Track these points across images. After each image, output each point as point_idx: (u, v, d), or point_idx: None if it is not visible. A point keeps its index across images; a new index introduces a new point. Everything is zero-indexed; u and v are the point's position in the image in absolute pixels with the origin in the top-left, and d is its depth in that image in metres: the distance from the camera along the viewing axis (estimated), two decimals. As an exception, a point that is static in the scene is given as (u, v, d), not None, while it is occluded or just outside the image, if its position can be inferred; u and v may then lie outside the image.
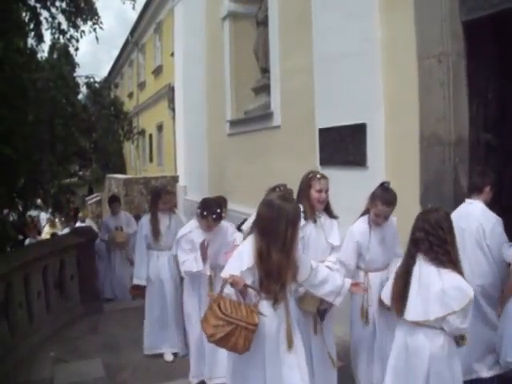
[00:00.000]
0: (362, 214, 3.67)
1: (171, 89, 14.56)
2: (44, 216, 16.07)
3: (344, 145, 5.20)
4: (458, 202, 4.19)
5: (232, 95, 8.85)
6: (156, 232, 4.90)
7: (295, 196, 3.77)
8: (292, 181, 6.33)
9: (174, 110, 13.97)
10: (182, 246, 4.07)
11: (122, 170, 23.65)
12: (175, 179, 12.74)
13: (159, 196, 4.99)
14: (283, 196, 2.76)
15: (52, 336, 5.47)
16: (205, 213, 3.95)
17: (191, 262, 4.00)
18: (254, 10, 8.34)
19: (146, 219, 5.03)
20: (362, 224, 3.62)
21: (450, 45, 4.12)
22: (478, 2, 3.96)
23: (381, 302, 3.32)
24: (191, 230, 4.10)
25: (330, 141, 5.45)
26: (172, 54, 13.88)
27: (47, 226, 14.10)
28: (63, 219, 15.13)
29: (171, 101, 14.75)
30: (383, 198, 3.45)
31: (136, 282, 5.01)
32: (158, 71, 18.47)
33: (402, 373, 2.82)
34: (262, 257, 2.54)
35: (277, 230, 2.52)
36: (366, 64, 4.93)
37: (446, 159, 4.18)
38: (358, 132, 5.01)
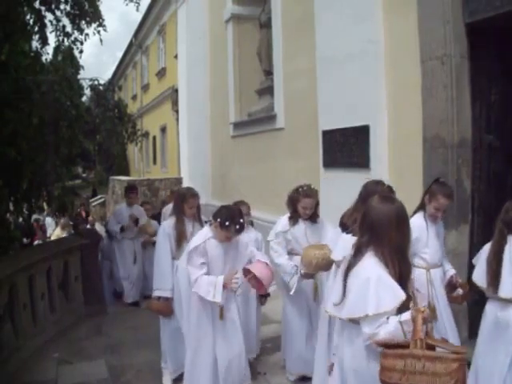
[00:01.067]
0: (416, 211, 3.61)
1: (175, 91, 14.60)
2: (50, 220, 16.09)
3: (347, 147, 5.21)
4: (460, 203, 4.20)
5: (235, 97, 8.88)
6: (181, 238, 4.27)
7: None
8: (295, 182, 6.33)
9: (177, 111, 14.01)
10: (194, 260, 3.55)
11: (126, 172, 23.77)
12: (179, 181, 12.78)
13: (185, 199, 4.39)
14: (385, 197, 2.54)
15: (56, 337, 5.48)
16: (227, 223, 3.48)
17: (206, 285, 3.48)
18: (257, 13, 8.37)
19: (168, 223, 4.41)
20: (418, 220, 3.55)
21: (453, 47, 4.12)
22: (481, 4, 3.96)
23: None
24: (205, 240, 3.59)
25: (333, 142, 5.45)
26: (176, 56, 13.93)
27: (58, 228, 14.05)
28: (71, 223, 15.15)
29: (175, 103, 14.79)
30: (444, 192, 3.44)
31: (159, 293, 4.27)
32: (161, 73, 18.51)
33: (491, 346, 3.01)
34: (401, 274, 2.28)
35: (403, 234, 2.32)
36: (369, 66, 4.94)
37: (449, 161, 4.17)
38: (361, 134, 5.01)
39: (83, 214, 17.48)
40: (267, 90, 7.97)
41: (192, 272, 3.54)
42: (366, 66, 4.95)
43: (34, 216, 13.37)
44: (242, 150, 8.73)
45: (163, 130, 19.05)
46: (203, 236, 3.63)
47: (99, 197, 20.75)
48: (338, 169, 5.38)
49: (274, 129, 7.34)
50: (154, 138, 20.80)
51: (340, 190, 4.86)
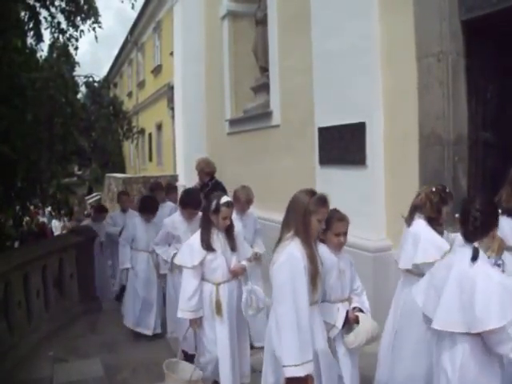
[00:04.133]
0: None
1: (170, 88, 14.55)
2: (57, 223, 16.03)
3: (343, 144, 5.20)
4: (456, 200, 4.19)
5: (231, 94, 8.85)
6: (316, 274, 2.80)
7: None
8: (291, 180, 6.31)
9: (173, 109, 13.96)
10: None
11: (122, 170, 23.68)
12: (175, 178, 12.74)
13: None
14: None
15: (51, 335, 5.45)
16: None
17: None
18: (252, 9, 8.33)
19: (299, 249, 2.68)
20: None
21: (450, 43, 4.13)
22: (478, 0, 3.96)
23: None
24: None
25: (329, 140, 5.44)
26: (171, 53, 13.87)
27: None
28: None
29: (170, 100, 14.74)
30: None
31: (294, 373, 2.53)
32: (157, 70, 18.45)
33: None
34: None
35: None
36: (365, 63, 4.93)
37: (445, 158, 4.18)
38: (357, 131, 5.00)
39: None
40: (263, 87, 7.95)
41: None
42: (362, 62, 4.94)
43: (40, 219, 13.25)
44: (237, 147, 8.71)
45: (159, 127, 19.00)
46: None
47: (95, 194, 20.69)
48: (334, 166, 5.37)
49: (269, 126, 7.32)
50: (150, 135, 20.74)
51: (336, 187, 4.86)
